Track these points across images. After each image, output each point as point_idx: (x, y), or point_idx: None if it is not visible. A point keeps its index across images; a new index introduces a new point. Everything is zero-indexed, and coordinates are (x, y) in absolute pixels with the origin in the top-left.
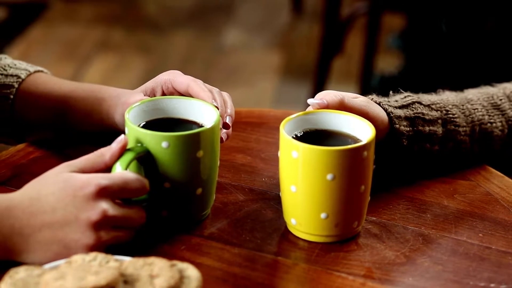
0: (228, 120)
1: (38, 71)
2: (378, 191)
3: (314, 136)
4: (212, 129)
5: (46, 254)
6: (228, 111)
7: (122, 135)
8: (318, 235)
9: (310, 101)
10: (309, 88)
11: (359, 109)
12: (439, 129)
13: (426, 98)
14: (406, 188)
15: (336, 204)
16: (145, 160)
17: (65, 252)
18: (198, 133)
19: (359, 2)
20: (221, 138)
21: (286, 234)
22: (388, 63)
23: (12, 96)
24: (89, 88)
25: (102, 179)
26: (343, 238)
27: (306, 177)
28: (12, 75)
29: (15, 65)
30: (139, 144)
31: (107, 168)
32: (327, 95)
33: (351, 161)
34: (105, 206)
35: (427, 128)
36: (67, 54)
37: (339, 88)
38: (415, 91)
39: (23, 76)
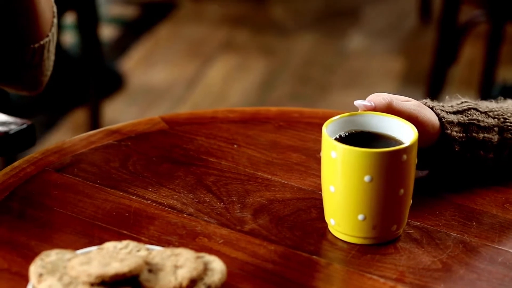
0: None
1: None
2: (427, 196)
3: (358, 137)
4: None
5: None
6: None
7: None
8: (356, 237)
9: (356, 102)
10: (425, 96)
11: (408, 113)
12: (494, 137)
13: (484, 105)
14: (456, 195)
15: (373, 206)
16: None
17: None
18: None
19: (478, 9)
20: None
21: (326, 234)
22: None
23: None
24: None
25: None
26: (381, 241)
27: (344, 178)
28: None
29: None
30: None
31: None
32: (376, 98)
33: (389, 164)
34: None
35: (481, 135)
36: (191, 53)
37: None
38: None
39: None
